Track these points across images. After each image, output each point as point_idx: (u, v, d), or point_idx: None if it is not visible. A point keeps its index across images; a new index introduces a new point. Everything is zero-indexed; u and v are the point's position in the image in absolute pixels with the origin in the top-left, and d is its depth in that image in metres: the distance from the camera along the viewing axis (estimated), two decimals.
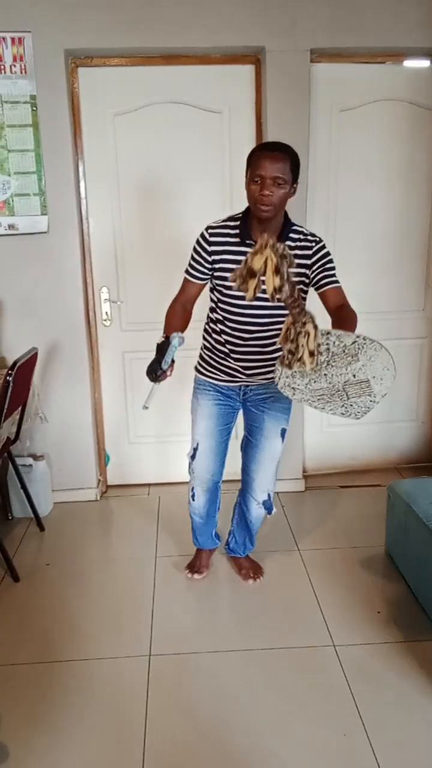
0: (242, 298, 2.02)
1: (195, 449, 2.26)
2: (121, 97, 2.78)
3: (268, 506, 2.30)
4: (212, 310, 2.16)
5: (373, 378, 1.61)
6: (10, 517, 2.94)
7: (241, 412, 2.29)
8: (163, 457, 3.23)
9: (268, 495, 2.28)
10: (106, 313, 3.02)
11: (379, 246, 3.09)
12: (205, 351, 2.23)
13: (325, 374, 1.60)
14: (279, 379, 1.65)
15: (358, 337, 1.59)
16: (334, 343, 1.58)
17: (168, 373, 1.93)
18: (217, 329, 2.14)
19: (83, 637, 2.14)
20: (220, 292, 2.07)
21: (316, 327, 1.55)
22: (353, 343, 1.58)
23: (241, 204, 2.02)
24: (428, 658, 2.00)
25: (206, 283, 2.11)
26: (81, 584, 2.45)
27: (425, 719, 1.78)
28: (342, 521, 2.88)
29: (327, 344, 1.57)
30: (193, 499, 2.34)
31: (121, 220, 2.93)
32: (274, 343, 2.05)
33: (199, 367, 2.26)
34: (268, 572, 2.48)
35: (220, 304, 2.10)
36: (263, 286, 1.57)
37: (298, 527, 2.83)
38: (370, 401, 1.65)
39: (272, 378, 2.14)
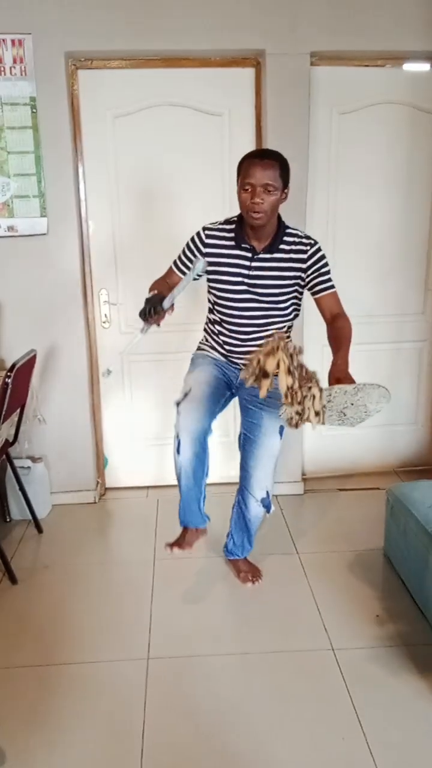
0: (238, 300, 2.04)
1: (186, 394, 2.12)
2: (121, 100, 2.78)
3: (266, 504, 2.28)
4: (210, 310, 2.17)
5: (370, 403, 1.70)
6: (8, 519, 2.94)
7: (238, 410, 2.29)
8: (162, 460, 3.21)
9: (267, 493, 2.27)
10: (105, 315, 3.01)
11: (379, 249, 3.09)
12: (205, 344, 2.27)
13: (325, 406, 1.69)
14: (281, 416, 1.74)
15: (358, 383, 1.67)
16: (336, 392, 1.67)
17: (170, 312, 1.96)
18: (215, 330, 2.14)
19: (81, 640, 2.14)
20: (215, 294, 2.08)
21: (321, 389, 1.63)
22: (354, 388, 1.67)
23: None
24: (427, 661, 2.00)
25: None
26: (79, 587, 2.44)
27: (424, 722, 1.77)
28: (341, 524, 2.88)
29: (329, 393, 1.67)
30: (179, 452, 2.10)
31: (121, 222, 2.93)
32: None
33: (200, 347, 2.30)
34: (267, 575, 2.47)
35: (216, 306, 2.10)
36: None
37: (296, 530, 2.82)
38: (366, 414, 1.72)
39: None
